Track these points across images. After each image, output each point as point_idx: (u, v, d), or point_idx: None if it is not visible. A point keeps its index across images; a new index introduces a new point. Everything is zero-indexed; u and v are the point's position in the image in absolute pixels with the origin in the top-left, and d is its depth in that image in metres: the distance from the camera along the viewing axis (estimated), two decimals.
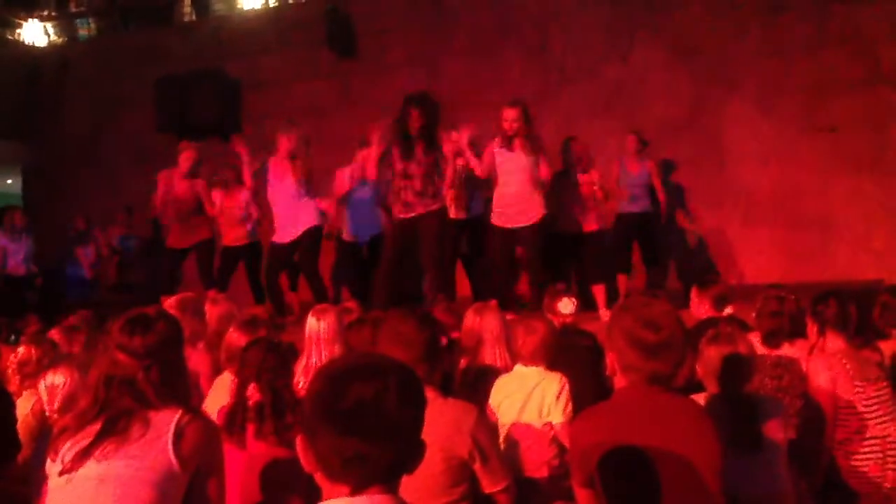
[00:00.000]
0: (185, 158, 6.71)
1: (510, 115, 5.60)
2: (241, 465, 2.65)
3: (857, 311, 3.16)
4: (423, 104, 5.57)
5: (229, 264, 6.91)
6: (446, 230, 5.89)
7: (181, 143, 6.95)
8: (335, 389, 1.33)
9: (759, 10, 7.82)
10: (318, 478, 1.36)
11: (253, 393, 2.81)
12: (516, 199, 5.75)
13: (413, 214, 5.63)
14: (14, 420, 2.99)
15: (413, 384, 1.38)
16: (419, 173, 5.58)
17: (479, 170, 5.84)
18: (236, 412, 2.79)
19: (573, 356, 3.73)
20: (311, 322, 3.77)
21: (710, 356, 2.64)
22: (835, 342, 3.15)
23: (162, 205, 6.78)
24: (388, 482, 1.35)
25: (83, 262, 8.89)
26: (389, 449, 1.32)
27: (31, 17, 10.94)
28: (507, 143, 5.69)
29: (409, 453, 1.36)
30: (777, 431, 2.55)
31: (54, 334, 4.09)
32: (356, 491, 1.32)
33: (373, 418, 1.30)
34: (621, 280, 6.79)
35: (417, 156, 5.59)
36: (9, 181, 12.48)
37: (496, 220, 5.85)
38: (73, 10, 10.93)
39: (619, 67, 8.28)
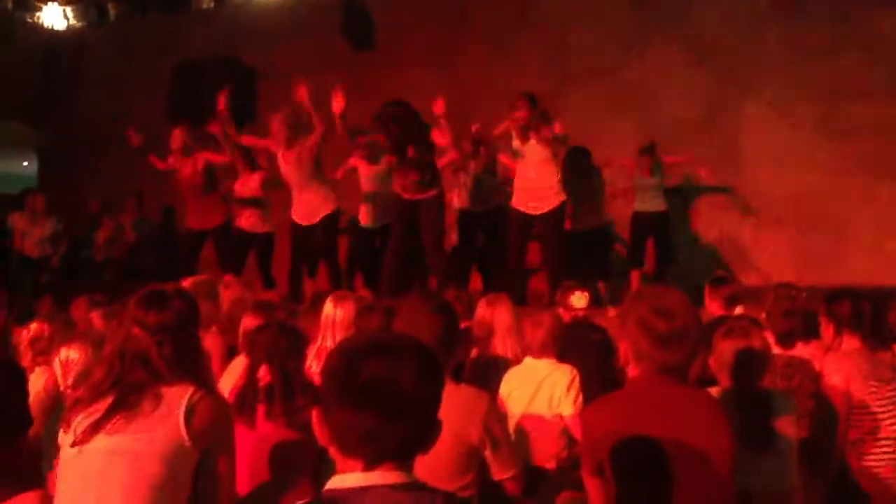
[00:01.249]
0: (174, 138, 6.79)
1: (519, 114, 5.76)
2: (251, 445, 2.66)
3: (871, 310, 3.13)
4: (394, 122, 5.74)
5: (242, 248, 6.93)
6: (443, 217, 6.07)
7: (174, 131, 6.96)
8: (352, 364, 1.33)
9: (777, 14, 7.78)
10: (332, 452, 1.37)
11: (264, 374, 2.82)
12: (534, 187, 5.91)
13: (411, 197, 5.83)
14: (26, 395, 3.00)
15: (430, 362, 1.37)
16: (411, 168, 5.78)
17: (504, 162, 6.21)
18: (247, 393, 2.80)
19: (584, 349, 3.73)
20: (329, 308, 3.80)
21: (724, 350, 2.62)
22: (850, 342, 3.12)
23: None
24: (402, 459, 1.34)
25: (95, 244, 8.95)
26: (404, 426, 1.31)
27: (51, 0, 10.97)
28: (523, 135, 5.84)
29: (424, 431, 1.35)
30: (789, 428, 2.52)
31: (95, 316, 4.07)
32: (369, 466, 1.32)
33: (388, 394, 1.30)
34: (634, 276, 6.81)
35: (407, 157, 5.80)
36: (24, 163, 12.54)
37: (517, 204, 6.03)
38: None
39: (636, 68, 8.25)
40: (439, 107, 5.67)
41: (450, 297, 4.38)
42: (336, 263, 6.53)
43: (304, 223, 6.39)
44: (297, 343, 2.95)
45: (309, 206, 6.31)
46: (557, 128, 5.78)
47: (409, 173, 5.78)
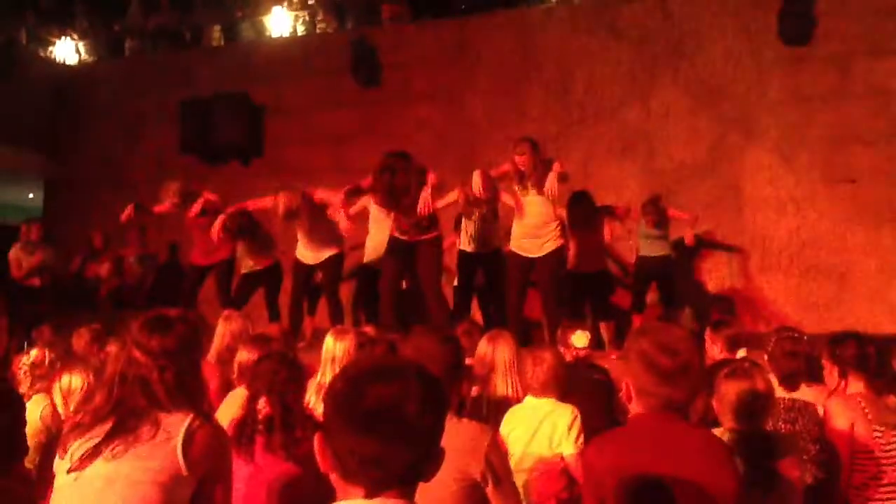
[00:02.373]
0: (170, 193, 6.95)
1: (521, 158, 5.82)
2: (248, 476, 2.63)
3: (876, 353, 3.11)
4: (388, 172, 5.65)
5: (248, 288, 6.98)
6: (441, 258, 6.10)
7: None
8: (356, 389, 1.31)
9: (781, 60, 7.87)
10: (334, 479, 1.35)
11: (264, 406, 2.79)
12: (533, 230, 5.97)
13: (408, 239, 5.85)
14: (23, 422, 2.98)
15: (435, 389, 1.36)
16: (409, 212, 5.76)
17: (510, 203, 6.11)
18: (246, 424, 2.78)
19: (585, 390, 3.70)
20: (329, 342, 3.81)
21: (727, 391, 2.60)
22: (855, 385, 3.09)
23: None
24: (404, 487, 1.33)
25: (97, 277, 8.94)
26: (407, 452, 1.30)
27: (64, 34, 11.12)
28: (522, 181, 5.92)
29: (426, 458, 1.34)
30: (793, 470, 2.49)
31: (112, 348, 4.05)
32: (371, 494, 1.30)
33: (392, 420, 1.28)
34: (636, 321, 6.79)
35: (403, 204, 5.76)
36: (30, 195, 12.60)
37: (516, 247, 6.07)
38: (108, 29, 11.08)
39: (640, 110, 8.32)
40: (433, 178, 5.66)
41: (461, 330, 4.38)
42: (338, 302, 6.54)
43: (309, 262, 6.44)
44: (297, 375, 2.94)
45: (315, 247, 6.35)
46: (558, 167, 5.78)
47: (407, 217, 5.80)
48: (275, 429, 2.74)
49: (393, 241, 5.99)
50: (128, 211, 7.07)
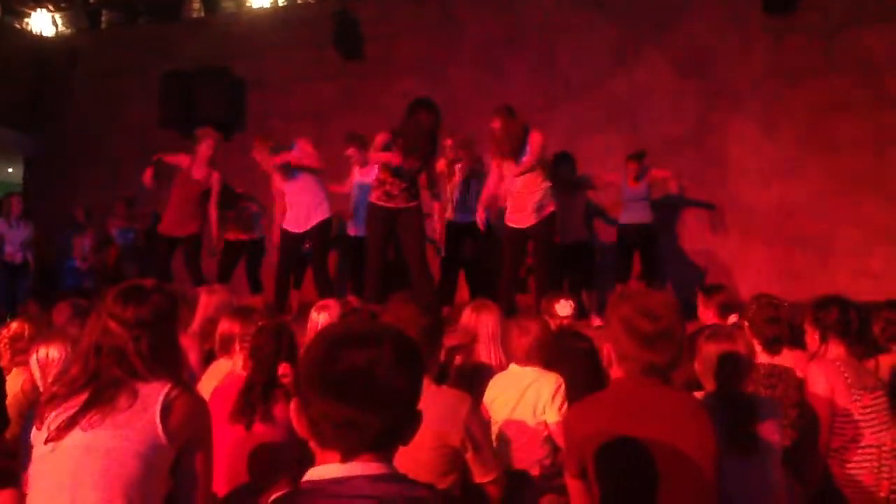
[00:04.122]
0: (208, 146, 6.65)
1: (495, 126, 5.80)
2: (231, 445, 2.62)
3: (858, 318, 3.13)
4: (433, 109, 5.68)
5: (232, 257, 6.92)
6: (424, 227, 6.05)
7: (201, 130, 6.84)
8: (329, 354, 1.31)
9: (765, 31, 7.86)
10: (312, 445, 1.35)
11: (287, 373, 2.78)
12: (522, 200, 5.88)
13: (393, 205, 5.78)
14: (3, 395, 2.97)
15: (409, 353, 1.34)
16: (409, 173, 5.73)
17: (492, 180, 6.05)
18: (249, 391, 2.76)
19: (569, 358, 3.71)
20: (313, 316, 3.84)
21: (708, 353, 2.61)
22: (835, 350, 3.11)
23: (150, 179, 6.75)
24: (381, 451, 1.32)
25: (78, 252, 8.87)
26: (381, 417, 1.29)
27: (40, 6, 10.93)
28: (499, 148, 5.84)
29: (402, 422, 1.33)
30: (772, 433, 2.51)
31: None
32: (346, 457, 1.30)
33: (364, 385, 1.28)
34: (619, 289, 6.80)
35: (415, 157, 5.70)
36: (10, 170, 12.46)
37: (509, 220, 6.00)
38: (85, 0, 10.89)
39: (625, 83, 8.30)
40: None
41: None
42: (325, 273, 6.45)
43: (296, 231, 6.33)
44: (289, 345, 2.93)
45: (302, 212, 6.27)
46: (536, 138, 5.74)
47: (398, 182, 5.74)
48: (290, 395, 2.72)
49: (377, 210, 5.88)
50: (148, 173, 6.79)
